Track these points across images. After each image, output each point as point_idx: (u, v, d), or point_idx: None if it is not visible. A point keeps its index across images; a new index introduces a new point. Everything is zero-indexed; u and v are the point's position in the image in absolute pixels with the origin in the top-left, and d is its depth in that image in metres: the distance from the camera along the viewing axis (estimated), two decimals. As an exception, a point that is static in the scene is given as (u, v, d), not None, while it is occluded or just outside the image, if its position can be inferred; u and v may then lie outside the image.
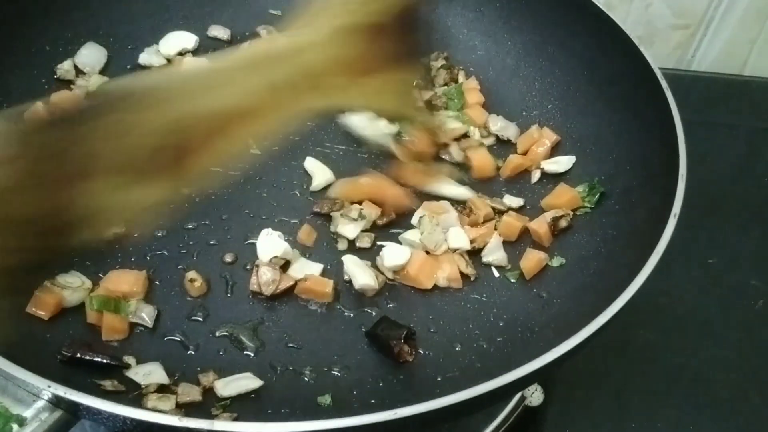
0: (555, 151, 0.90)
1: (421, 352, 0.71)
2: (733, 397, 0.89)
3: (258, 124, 0.48)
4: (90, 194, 0.38)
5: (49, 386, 0.53)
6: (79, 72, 0.95)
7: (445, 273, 0.77)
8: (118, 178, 0.38)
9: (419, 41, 0.60)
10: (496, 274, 0.79)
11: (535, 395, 0.85)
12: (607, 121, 0.88)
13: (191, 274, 0.74)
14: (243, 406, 0.65)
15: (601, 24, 0.89)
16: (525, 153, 0.90)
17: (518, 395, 0.84)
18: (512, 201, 0.84)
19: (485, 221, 0.82)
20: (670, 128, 0.75)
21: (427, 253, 0.78)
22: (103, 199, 0.38)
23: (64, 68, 0.94)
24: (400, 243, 0.79)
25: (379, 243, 0.79)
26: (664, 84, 0.79)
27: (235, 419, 0.63)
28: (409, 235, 0.79)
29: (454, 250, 0.79)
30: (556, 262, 0.79)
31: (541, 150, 0.89)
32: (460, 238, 0.79)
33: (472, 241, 0.79)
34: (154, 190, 0.41)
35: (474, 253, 0.80)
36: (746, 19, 1.26)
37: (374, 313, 0.74)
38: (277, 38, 0.63)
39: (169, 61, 0.98)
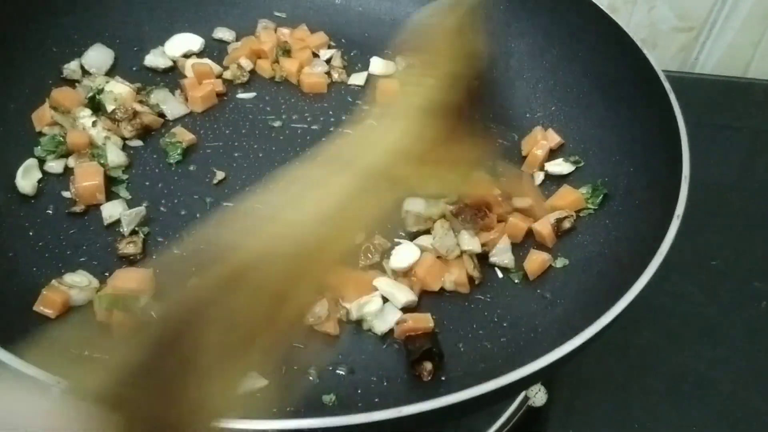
0: (558, 153, 0.90)
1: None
2: (736, 398, 0.89)
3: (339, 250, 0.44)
4: (203, 385, 0.35)
5: (59, 383, 0.54)
6: (85, 72, 0.96)
7: (453, 276, 0.77)
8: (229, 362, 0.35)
9: (482, 118, 0.58)
10: (500, 275, 0.79)
11: (538, 395, 0.85)
12: (610, 123, 0.88)
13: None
14: (248, 405, 0.65)
15: (605, 26, 0.89)
16: (527, 155, 0.90)
17: (521, 395, 0.85)
18: (520, 202, 0.84)
19: (499, 221, 0.82)
20: (674, 130, 0.76)
21: (438, 257, 0.78)
22: (215, 388, 0.35)
23: (71, 68, 0.95)
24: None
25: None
26: (667, 86, 0.79)
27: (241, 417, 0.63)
28: (422, 240, 0.79)
29: (463, 252, 0.78)
30: (560, 263, 0.79)
31: (540, 152, 0.89)
32: (471, 242, 0.79)
33: (483, 245, 0.79)
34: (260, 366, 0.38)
35: (482, 256, 0.80)
36: (749, 22, 1.26)
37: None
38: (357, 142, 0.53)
39: (174, 62, 0.99)
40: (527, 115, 0.95)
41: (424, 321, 0.72)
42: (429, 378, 0.68)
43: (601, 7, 0.90)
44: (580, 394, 0.88)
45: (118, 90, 0.91)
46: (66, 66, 0.95)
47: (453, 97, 0.52)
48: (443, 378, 0.69)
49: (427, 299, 0.76)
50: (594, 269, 0.77)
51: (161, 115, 0.92)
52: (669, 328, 0.95)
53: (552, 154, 0.90)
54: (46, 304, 0.70)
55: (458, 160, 0.55)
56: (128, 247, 0.77)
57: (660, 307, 0.96)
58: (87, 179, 0.81)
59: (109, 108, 0.89)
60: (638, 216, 0.78)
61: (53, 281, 0.72)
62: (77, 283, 0.72)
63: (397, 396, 0.67)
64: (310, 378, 0.69)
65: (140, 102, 0.92)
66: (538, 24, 0.98)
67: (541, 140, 0.90)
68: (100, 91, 0.91)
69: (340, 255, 0.44)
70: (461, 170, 0.57)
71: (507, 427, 0.83)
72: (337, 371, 0.70)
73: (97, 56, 0.97)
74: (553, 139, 0.90)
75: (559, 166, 0.88)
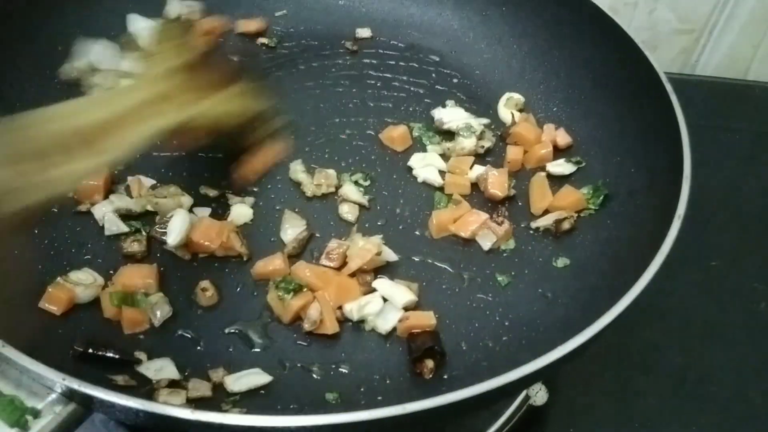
0: (560, 153, 0.91)
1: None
2: (735, 398, 0.90)
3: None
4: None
5: (64, 379, 0.54)
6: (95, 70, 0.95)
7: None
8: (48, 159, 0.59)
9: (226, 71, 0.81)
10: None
11: (539, 395, 0.86)
12: (611, 124, 0.89)
13: (204, 283, 0.75)
14: (252, 402, 0.66)
15: (606, 28, 0.90)
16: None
17: (522, 395, 0.85)
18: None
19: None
20: (675, 131, 0.76)
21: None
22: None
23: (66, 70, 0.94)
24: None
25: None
26: (668, 87, 0.80)
27: (245, 414, 0.63)
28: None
29: None
30: (561, 263, 0.80)
31: (545, 152, 0.90)
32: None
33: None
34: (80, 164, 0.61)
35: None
36: (750, 25, 1.27)
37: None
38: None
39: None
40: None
41: (427, 318, 0.73)
42: (431, 376, 0.69)
43: (603, 9, 0.91)
44: (580, 394, 0.89)
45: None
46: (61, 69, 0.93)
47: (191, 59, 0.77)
48: (445, 376, 0.70)
49: (429, 298, 0.77)
50: (595, 269, 0.77)
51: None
52: (669, 328, 0.96)
53: (556, 154, 0.90)
54: (51, 301, 0.71)
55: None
56: (133, 246, 0.77)
57: (661, 308, 0.96)
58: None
59: None
60: (639, 216, 0.78)
61: (59, 279, 0.73)
62: (82, 280, 0.73)
63: (399, 394, 0.68)
64: (314, 376, 0.70)
65: None
66: (539, 26, 0.99)
67: (548, 137, 0.91)
68: None
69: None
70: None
71: (508, 426, 0.83)
72: (340, 369, 0.70)
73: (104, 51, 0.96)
74: (563, 139, 0.91)
75: (561, 167, 0.88)
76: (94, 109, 0.68)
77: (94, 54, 0.96)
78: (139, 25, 1.00)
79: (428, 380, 0.69)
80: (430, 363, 0.69)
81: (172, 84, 0.74)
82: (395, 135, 0.91)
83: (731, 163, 1.18)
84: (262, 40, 1.04)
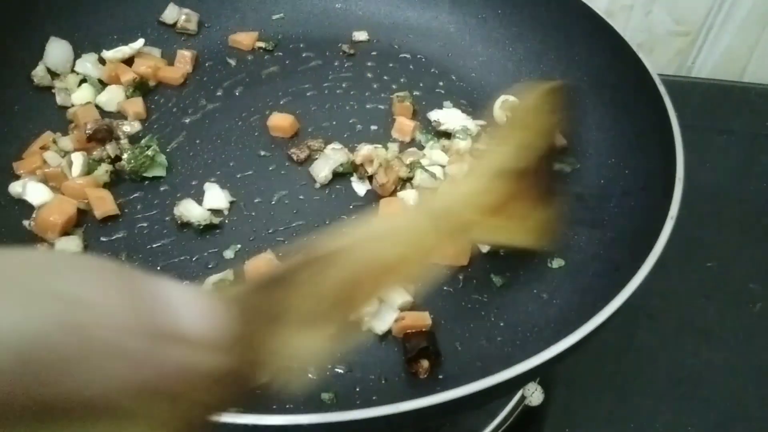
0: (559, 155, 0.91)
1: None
2: (731, 399, 0.90)
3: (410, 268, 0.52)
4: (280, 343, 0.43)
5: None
6: (53, 75, 0.94)
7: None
8: (304, 327, 0.44)
9: (553, 183, 0.70)
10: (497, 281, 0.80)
11: (535, 395, 0.86)
12: (606, 126, 0.89)
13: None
14: (248, 402, 0.66)
15: (601, 31, 0.90)
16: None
17: (518, 395, 0.86)
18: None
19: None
20: (668, 133, 0.77)
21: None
22: (289, 346, 0.43)
23: (39, 75, 0.92)
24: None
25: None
26: (662, 89, 0.81)
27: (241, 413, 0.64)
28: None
29: None
30: (556, 263, 0.80)
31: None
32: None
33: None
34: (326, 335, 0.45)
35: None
36: (745, 27, 1.28)
37: (377, 313, 0.75)
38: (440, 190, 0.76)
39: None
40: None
41: (422, 319, 0.73)
42: (426, 376, 0.69)
43: (598, 11, 0.91)
44: (576, 394, 0.89)
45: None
46: (34, 73, 0.92)
47: (524, 164, 0.63)
48: (440, 376, 0.70)
49: (424, 299, 0.77)
50: (589, 270, 0.78)
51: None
52: (665, 329, 0.96)
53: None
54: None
55: (525, 217, 0.64)
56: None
57: (656, 309, 0.97)
58: (52, 214, 0.78)
59: None
60: (633, 217, 0.79)
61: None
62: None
63: (394, 394, 0.68)
64: (309, 376, 0.70)
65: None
66: (535, 28, 1.00)
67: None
68: None
69: (406, 274, 0.52)
70: (526, 225, 0.65)
71: (504, 427, 0.84)
72: (336, 369, 0.71)
73: (59, 53, 0.93)
74: (558, 141, 0.91)
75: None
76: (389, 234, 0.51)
77: (51, 57, 0.94)
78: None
79: (423, 380, 0.69)
80: (425, 363, 0.70)
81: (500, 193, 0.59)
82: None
83: (727, 165, 1.19)
84: (259, 43, 1.05)
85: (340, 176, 0.88)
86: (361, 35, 1.06)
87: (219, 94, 0.98)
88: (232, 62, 1.02)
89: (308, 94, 0.98)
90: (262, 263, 0.76)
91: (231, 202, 0.84)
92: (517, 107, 0.68)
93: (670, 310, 0.98)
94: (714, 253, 1.05)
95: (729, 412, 0.89)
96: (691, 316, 0.98)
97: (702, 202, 1.06)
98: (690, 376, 0.92)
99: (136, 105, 0.93)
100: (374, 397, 0.68)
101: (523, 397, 0.86)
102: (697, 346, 0.95)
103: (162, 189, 0.86)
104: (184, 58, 1.00)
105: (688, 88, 1.32)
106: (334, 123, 0.95)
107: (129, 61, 0.98)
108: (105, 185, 0.84)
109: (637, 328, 0.95)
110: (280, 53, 1.04)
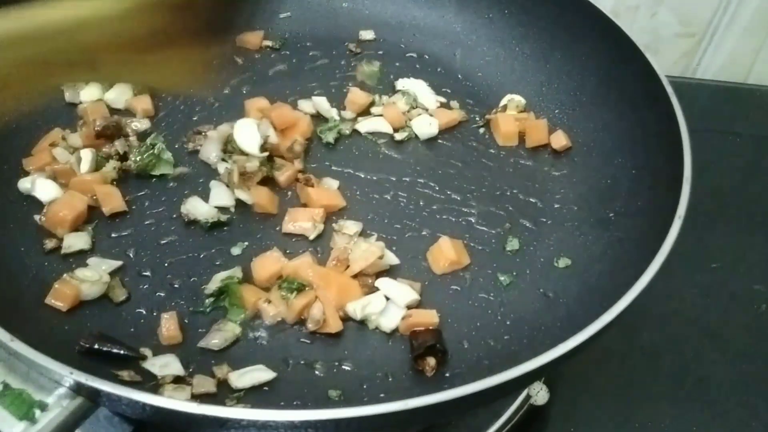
0: (562, 154, 0.91)
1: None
2: (736, 400, 0.90)
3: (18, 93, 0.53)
4: None
5: (72, 373, 0.55)
6: None
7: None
8: None
9: (226, 18, 0.64)
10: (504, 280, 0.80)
11: (540, 394, 0.86)
12: (613, 126, 0.90)
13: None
14: (256, 398, 0.66)
15: (608, 31, 0.91)
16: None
17: (523, 394, 0.86)
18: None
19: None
20: (676, 133, 0.77)
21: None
22: None
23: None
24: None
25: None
26: (669, 89, 0.81)
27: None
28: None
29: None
30: (563, 263, 0.80)
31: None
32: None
33: None
34: None
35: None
36: (751, 28, 1.28)
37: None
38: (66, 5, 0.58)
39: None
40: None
41: (430, 316, 0.74)
42: (432, 373, 0.69)
43: (605, 12, 0.92)
44: (581, 394, 0.89)
45: None
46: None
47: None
48: (447, 374, 0.70)
49: (431, 297, 0.77)
50: (596, 269, 0.78)
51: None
52: (670, 329, 0.96)
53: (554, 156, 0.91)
54: (57, 298, 0.72)
55: (174, 57, 0.59)
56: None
57: (662, 310, 0.97)
58: (62, 209, 0.79)
59: None
60: (640, 217, 0.79)
61: (65, 275, 0.73)
62: (88, 277, 0.74)
63: (401, 392, 0.68)
64: (317, 373, 0.70)
65: None
66: (541, 28, 1.00)
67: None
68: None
69: None
70: (176, 66, 0.60)
71: (509, 426, 0.84)
72: (343, 366, 0.71)
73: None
74: (559, 141, 0.91)
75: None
76: None
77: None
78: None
79: (430, 378, 0.70)
80: (432, 361, 0.70)
81: (123, 29, 0.55)
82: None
83: (732, 167, 1.19)
84: (266, 42, 1.05)
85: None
86: (367, 34, 1.07)
87: (226, 92, 0.98)
88: (240, 60, 1.03)
89: (315, 92, 0.99)
90: (269, 261, 0.77)
91: (237, 200, 0.84)
92: None
93: (675, 310, 0.98)
94: (719, 254, 1.05)
95: (734, 413, 0.89)
96: (696, 316, 0.98)
97: (707, 204, 1.06)
98: (695, 376, 0.92)
99: (145, 102, 0.94)
100: (381, 395, 0.68)
101: (528, 396, 0.86)
102: (702, 347, 0.95)
103: (169, 186, 0.86)
104: (192, 56, 1.00)
105: (693, 89, 1.32)
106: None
107: (137, 59, 0.98)
108: (113, 182, 0.85)
109: (642, 329, 0.95)
110: (287, 52, 1.04)
